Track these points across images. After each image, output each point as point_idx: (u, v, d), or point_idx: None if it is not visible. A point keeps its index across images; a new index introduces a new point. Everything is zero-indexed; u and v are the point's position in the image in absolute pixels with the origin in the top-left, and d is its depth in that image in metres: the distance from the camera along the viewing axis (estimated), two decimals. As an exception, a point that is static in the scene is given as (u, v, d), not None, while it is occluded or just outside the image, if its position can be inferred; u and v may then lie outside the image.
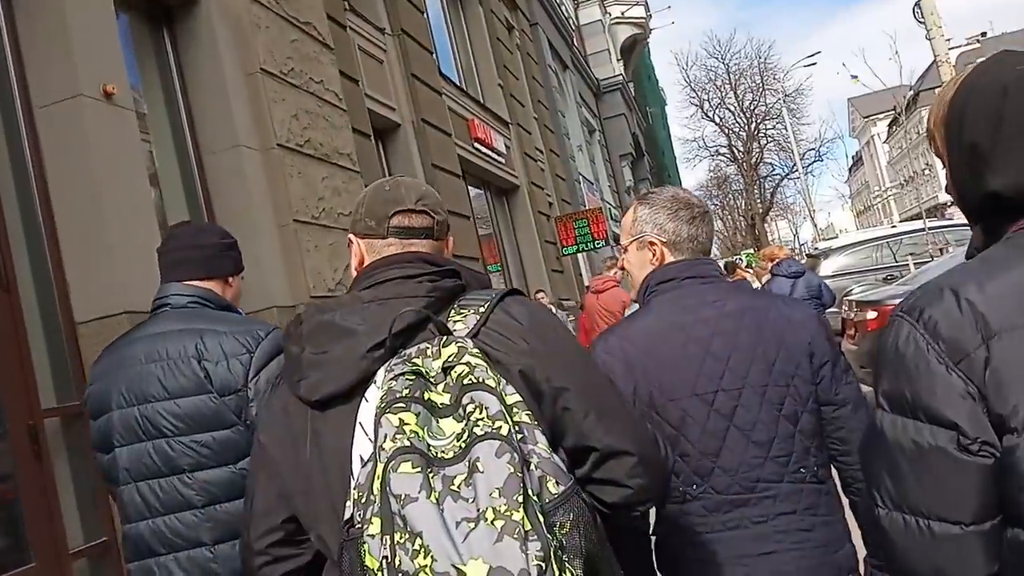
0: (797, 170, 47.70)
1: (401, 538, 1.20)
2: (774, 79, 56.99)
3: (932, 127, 1.26)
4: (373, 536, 1.23)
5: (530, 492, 1.24)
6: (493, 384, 1.32)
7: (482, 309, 1.48)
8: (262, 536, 1.52)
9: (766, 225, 65.39)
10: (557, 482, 1.30)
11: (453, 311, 1.49)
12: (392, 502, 1.21)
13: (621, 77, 30.25)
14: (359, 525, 1.27)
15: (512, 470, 1.22)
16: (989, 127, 1.14)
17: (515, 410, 1.33)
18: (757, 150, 60.65)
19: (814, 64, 50.50)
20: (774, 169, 61.69)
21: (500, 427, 1.27)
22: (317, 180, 6.36)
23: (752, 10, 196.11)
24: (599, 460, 1.43)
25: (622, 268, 2.23)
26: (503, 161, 14.11)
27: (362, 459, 1.33)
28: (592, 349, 2.04)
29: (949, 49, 17.38)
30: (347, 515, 1.32)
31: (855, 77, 31.83)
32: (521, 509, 1.20)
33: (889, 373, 1.15)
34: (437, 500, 1.21)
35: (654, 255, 2.10)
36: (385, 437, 1.26)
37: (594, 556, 1.33)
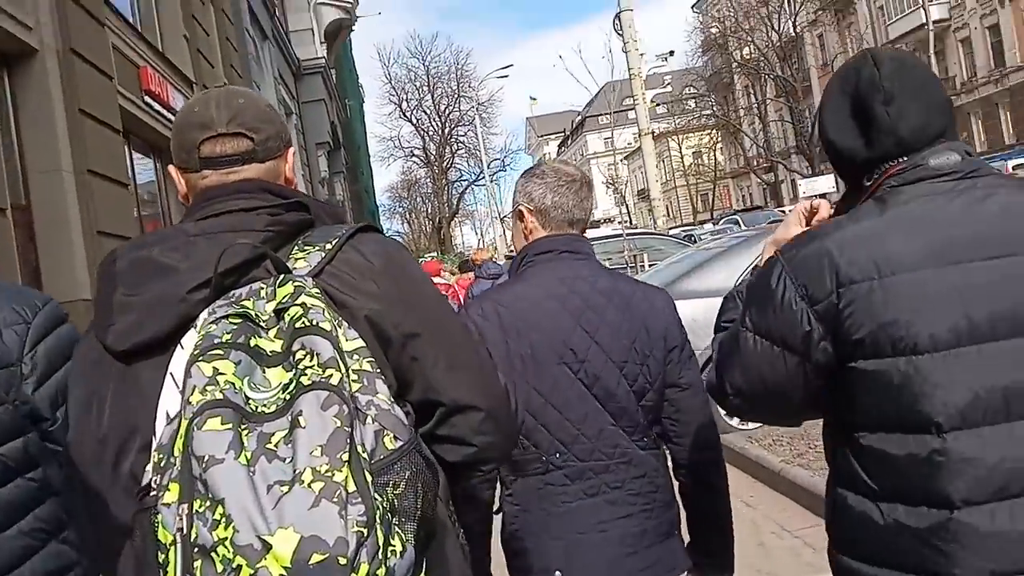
0: (484, 177, 48.36)
1: (200, 506, 1.06)
2: (469, 87, 57.87)
3: (813, 139, 1.38)
4: (168, 505, 1.08)
5: (358, 448, 1.12)
6: (328, 327, 1.18)
7: (328, 246, 1.31)
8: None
9: (451, 229, 66.21)
10: (395, 437, 1.18)
11: (296, 248, 1.32)
12: (194, 464, 1.07)
13: (324, 61, 27.99)
14: (155, 493, 1.11)
15: (339, 424, 1.10)
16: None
17: (355, 356, 1.19)
18: (449, 155, 61.08)
19: (506, 76, 51.96)
20: (462, 175, 62.58)
21: (331, 375, 1.14)
22: None
23: (453, 23, 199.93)
24: (445, 415, 1.33)
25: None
26: (183, 125, 11.51)
27: (168, 416, 1.16)
28: (466, 313, 2.03)
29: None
30: (145, 481, 1.16)
31: (533, 98, 34.41)
32: (345, 468, 1.08)
33: (759, 303, 1.52)
34: (248, 461, 1.07)
35: (523, 223, 2.12)
36: (194, 389, 1.11)
37: (431, 519, 1.24)
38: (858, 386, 1.43)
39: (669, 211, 54.20)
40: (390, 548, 1.10)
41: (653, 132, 18.65)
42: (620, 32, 16.82)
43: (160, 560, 1.09)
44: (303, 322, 1.17)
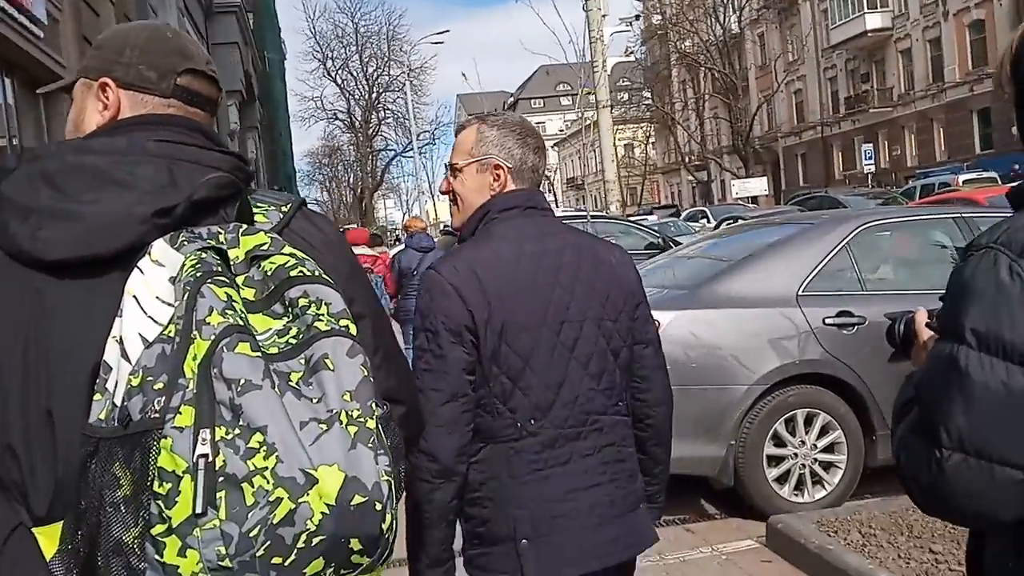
0: (412, 148, 45.93)
1: (228, 433, 1.00)
2: (401, 50, 55.02)
3: (1003, 77, 1.30)
4: (181, 429, 1.00)
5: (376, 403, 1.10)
6: (331, 280, 1.16)
7: (284, 209, 1.29)
8: None
9: (374, 201, 63.55)
10: (378, 404, 1.13)
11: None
12: (221, 388, 1.01)
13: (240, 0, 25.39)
14: (148, 415, 1.00)
15: (365, 374, 1.10)
16: None
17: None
18: (375, 122, 58.29)
19: (442, 43, 49.59)
20: (388, 144, 59.76)
21: (347, 326, 1.12)
22: None
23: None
24: None
25: (447, 192, 2.08)
26: (42, 36, 9.16)
27: (144, 339, 1.06)
28: (433, 274, 1.94)
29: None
30: (97, 413, 1.05)
31: (464, 75, 33.69)
32: (375, 418, 1.08)
33: (983, 309, 1.15)
34: (279, 393, 1.03)
35: (496, 180, 2.01)
36: (211, 310, 1.04)
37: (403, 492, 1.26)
38: None
39: (596, 202, 53.09)
40: (395, 507, 1.10)
41: (591, 119, 16.80)
42: (581, -11, 14.89)
43: (161, 490, 0.98)
44: (300, 271, 1.13)
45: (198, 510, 0.97)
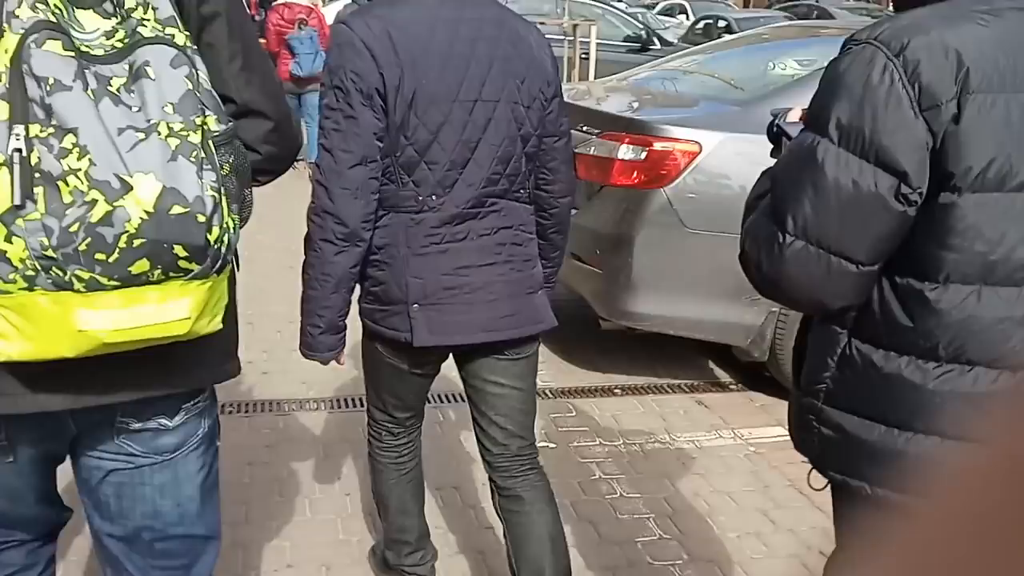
0: None
1: (43, 131, 1.02)
2: None
3: None
4: None
5: (203, 117, 1.09)
6: None
7: None
8: None
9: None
10: (218, 119, 1.15)
11: None
12: (32, 85, 1.01)
13: None
14: None
15: (190, 86, 1.08)
16: None
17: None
18: None
19: None
20: None
21: (174, 35, 1.10)
22: None
23: None
24: (233, 115, 1.25)
25: None
26: None
27: None
28: (344, 29, 1.79)
29: None
30: None
31: None
32: (199, 132, 1.08)
33: (850, 105, 1.17)
34: (94, 97, 1.03)
35: None
36: (20, 2, 1.02)
37: (247, 211, 1.27)
38: (951, 226, 1.17)
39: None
40: (226, 222, 1.10)
41: None
42: None
43: None
44: None
45: (17, 202, 1.00)
